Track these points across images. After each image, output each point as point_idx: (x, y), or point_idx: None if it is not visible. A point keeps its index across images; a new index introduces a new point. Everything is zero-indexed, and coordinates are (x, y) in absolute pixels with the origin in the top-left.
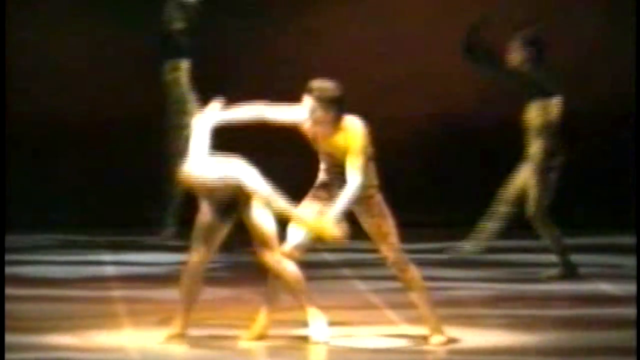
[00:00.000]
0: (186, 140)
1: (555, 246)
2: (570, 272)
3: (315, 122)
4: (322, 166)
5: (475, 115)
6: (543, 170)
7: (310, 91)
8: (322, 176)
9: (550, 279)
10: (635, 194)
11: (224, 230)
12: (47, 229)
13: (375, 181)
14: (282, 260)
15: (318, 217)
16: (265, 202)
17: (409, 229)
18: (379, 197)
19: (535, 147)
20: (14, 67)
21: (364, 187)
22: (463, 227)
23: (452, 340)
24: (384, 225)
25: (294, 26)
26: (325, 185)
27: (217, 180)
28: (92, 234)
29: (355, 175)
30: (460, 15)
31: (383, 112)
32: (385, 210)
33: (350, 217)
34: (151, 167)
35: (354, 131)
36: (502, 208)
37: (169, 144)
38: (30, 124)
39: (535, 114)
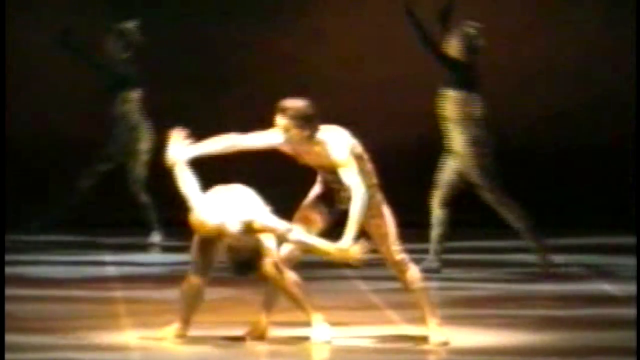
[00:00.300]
0: (144, 165)
1: (521, 227)
2: (543, 250)
3: (292, 140)
4: (318, 176)
5: None
6: (477, 159)
7: (283, 111)
8: (318, 184)
9: (542, 269)
10: (635, 194)
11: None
12: (48, 229)
13: (374, 180)
14: (281, 268)
15: (337, 244)
16: (281, 237)
17: (409, 229)
18: (378, 197)
19: (458, 140)
20: (14, 67)
21: (368, 194)
22: (464, 227)
23: (452, 341)
24: (384, 226)
25: (300, 27)
26: (322, 194)
27: (235, 233)
28: (93, 234)
29: (355, 187)
30: (465, 14)
31: (386, 110)
32: (386, 211)
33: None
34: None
35: (332, 142)
36: (437, 211)
37: (129, 169)
38: (30, 123)
39: (452, 104)
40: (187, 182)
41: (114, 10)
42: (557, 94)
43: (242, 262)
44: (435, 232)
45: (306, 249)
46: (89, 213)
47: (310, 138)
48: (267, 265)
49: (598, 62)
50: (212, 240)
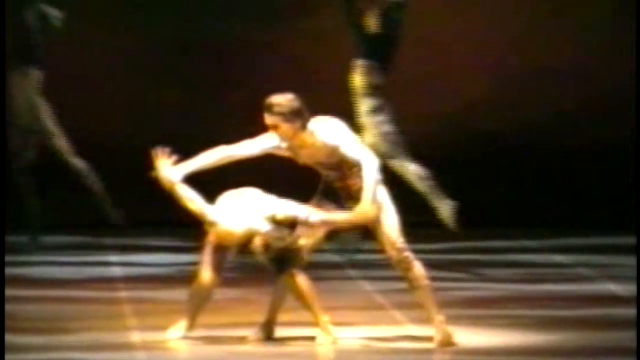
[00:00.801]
0: (58, 136)
1: (424, 188)
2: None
3: (285, 137)
4: (322, 177)
5: (482, 116)
6: (378, 128)
7: (269, 109)
8: (322, 185)
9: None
10: (635, 194)
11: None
12: (52, 230)
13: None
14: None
15: (356, 210)
16: (304, 222)
17: (412, 229)
18: (383, 193)
19: (361, 110)
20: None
21: (379, 163)
22: (466, 227)
23: (457, 341)
24: (388, 222)
25: (303, 27)
26: (326, 192)
27: (266, 231)
28: (98, 234)
29: (363, 157)
30: (467, 15)
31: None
32: (390, 207)
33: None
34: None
35: (324, 129)
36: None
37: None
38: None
39: (358, 74)
40: (193, 199)
41: (116, 9)
42: (558, 93)
43: (281, 257)
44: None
45: (331, 226)
46: (93, 213)
47: (303, 129)
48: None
49: (598, 61)
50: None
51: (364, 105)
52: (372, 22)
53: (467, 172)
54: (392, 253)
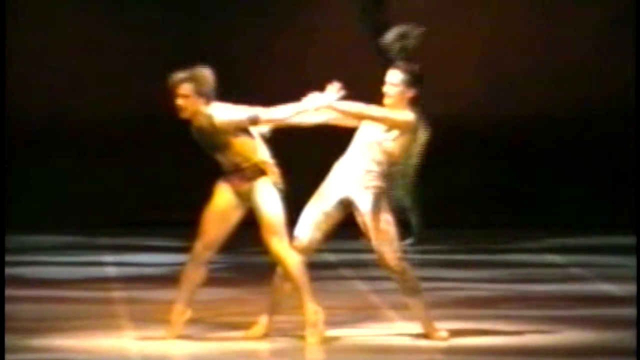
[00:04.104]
0: None
1: None
2: None
3: (391, 99)
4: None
5: (480, 116)
6: None
7: (397, 67)
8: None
9: None
10: (635, 194)
11: (231, 221)
12: (48, 230)
13: (382, 184)
14: (288, 248)
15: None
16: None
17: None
18: (384, 202)
19: None
20: (14, 64)
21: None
22: (467, 228)
23: (452, 340)
24: (388, 232)
25: (293, 25)
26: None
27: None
28: (93, 235)
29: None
30: (463, 15)
31: None
32: (389, 217)
33: (350, 219)
34: (152, 167)
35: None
36: None
37: None
38: (31, 123)
39: None
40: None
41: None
42: (558, 93)
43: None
44: None
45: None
46: (89, 214)
47: (410, 103)
48: (275, 244)
49: (598, 62)
50: (224, 212)
51: None
52: None
53: (467, 172)
54: (390, 263)
